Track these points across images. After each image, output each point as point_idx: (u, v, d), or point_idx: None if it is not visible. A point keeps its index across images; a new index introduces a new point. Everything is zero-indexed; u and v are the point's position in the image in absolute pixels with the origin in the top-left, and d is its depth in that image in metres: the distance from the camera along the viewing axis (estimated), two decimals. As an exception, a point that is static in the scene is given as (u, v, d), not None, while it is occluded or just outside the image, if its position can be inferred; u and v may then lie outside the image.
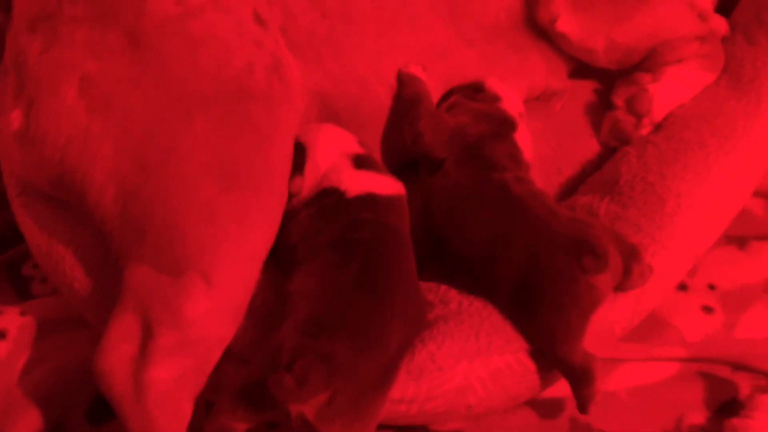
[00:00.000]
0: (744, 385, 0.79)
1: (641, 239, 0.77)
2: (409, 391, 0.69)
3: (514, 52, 0.91)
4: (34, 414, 0.78)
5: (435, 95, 0.86)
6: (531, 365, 0.71)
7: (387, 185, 0.75)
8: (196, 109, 0.69)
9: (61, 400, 0.79)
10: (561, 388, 0.73)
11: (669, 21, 0.90)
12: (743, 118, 0.86)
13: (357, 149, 0.77)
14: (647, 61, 0.90)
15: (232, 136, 0.69)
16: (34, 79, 0.72)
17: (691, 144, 0.84)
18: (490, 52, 0.89)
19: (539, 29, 0.90)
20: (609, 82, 0.94)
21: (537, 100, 0.94)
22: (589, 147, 0.91)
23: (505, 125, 0.81)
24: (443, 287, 0.75)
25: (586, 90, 0.96)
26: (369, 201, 0.72)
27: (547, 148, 0.90)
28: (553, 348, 0.69)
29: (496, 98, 0.83)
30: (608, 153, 0.90)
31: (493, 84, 0.85)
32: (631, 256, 0.71)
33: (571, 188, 0.88)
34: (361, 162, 0.75)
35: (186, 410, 0.66)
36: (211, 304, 0.66)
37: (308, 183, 0.74)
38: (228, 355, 0.68)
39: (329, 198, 0.73)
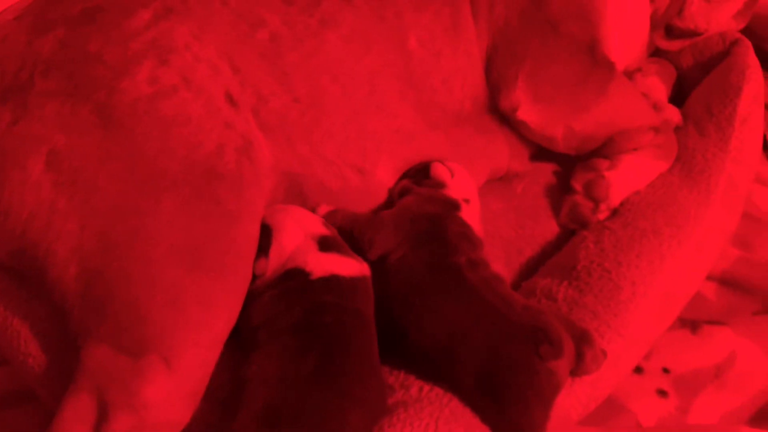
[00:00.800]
0: (696, 470, 0.79)
1: (597, 326, 0.78)
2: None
3: (479, 135, 0.93)
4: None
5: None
6: (490, 454, 0.71)
7: (351, 267, 0.75)
8: (164, 189, 0.69)
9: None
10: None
11: (625, 111, 0.93)
12: (695, 208, 0.89)
13: (322, 231, 0.77)
14: (605, 148, 0.93)
15: (199, 217, 0.69)
16: (1, 151, 0.71)
17: (646, 232, 0.86)
18: (456, 135, 0.91)
19: (502, 115, 0.93)
20: (569, 164, 0.96)
21: (500, 180, 0.96)
22: (549, 228, 0.93)
23: (448, 206, 0.82)
24: (403, 371, 0.74)
25: (546, 172, 0.98)
26: (333, 283, 0.72)
27: (508, 228, 0.92)
28: (517, 438, 0.69)
29: (440, 185, 0.84)
30: (568, 234, 0.92)
31: (439, 171, 0.85)
32: (581, 340, 0.73)
33: (531, 269, 0.90)
34: (326, 243, 0.75)
35: (139, 496, 0.64)
36: (171, 388, 0.65)
37: (273, 264, 0.74)
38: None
39: (293, 280, 0.73)
